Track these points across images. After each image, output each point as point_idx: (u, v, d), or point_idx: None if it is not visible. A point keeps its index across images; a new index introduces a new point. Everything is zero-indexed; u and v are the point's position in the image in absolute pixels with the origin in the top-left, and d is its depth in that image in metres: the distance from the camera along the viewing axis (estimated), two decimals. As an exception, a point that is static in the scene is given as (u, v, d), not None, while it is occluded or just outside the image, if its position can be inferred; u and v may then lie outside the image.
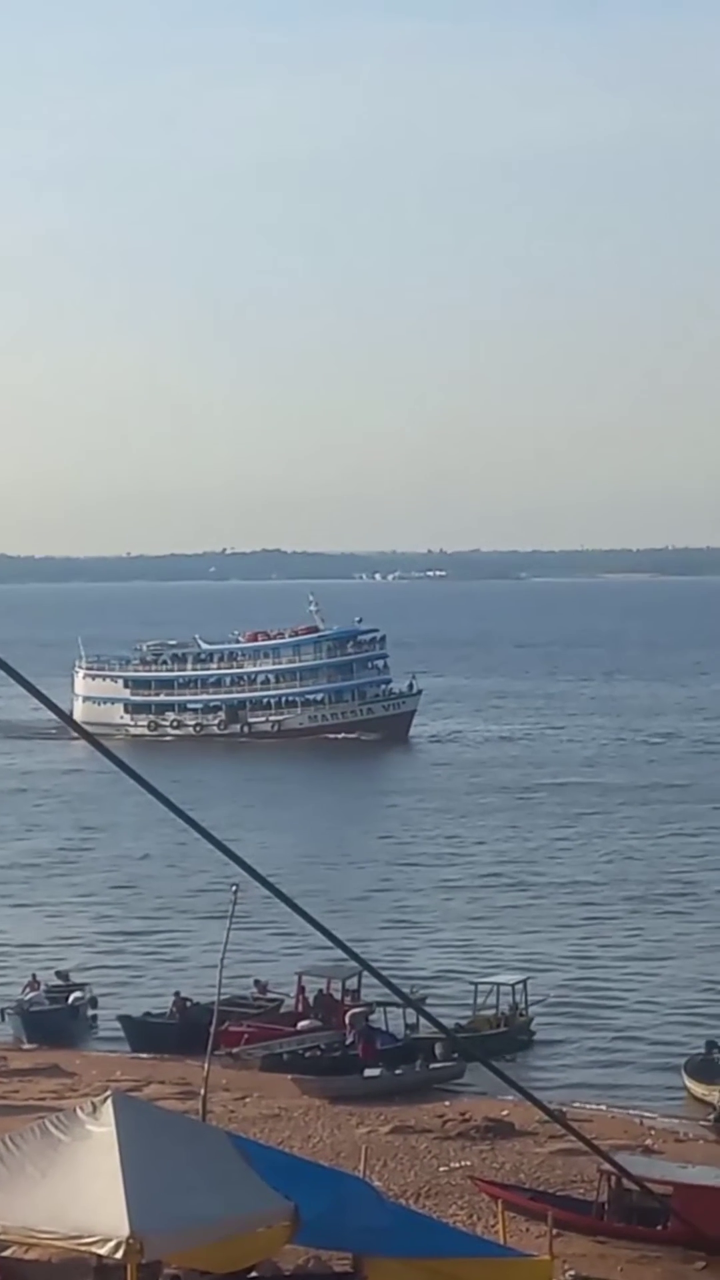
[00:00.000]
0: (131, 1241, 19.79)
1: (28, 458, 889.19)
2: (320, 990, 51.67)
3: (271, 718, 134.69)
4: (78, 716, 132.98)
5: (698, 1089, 45.50)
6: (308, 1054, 48.47)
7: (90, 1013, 53.81)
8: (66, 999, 53.55)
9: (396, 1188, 34.78)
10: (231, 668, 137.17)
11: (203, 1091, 37.58)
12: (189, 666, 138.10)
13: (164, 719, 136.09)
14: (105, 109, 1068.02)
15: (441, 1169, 37.35)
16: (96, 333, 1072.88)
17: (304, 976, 52.30)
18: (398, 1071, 46.44)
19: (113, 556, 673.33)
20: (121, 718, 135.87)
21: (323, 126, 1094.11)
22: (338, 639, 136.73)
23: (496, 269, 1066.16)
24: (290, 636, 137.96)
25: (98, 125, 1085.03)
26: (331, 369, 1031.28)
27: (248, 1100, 44.08)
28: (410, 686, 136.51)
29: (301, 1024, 50.25)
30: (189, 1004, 51.13)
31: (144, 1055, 49.84)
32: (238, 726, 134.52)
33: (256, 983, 54.05)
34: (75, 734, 15.45)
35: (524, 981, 52.61)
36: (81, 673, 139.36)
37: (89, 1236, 20.22)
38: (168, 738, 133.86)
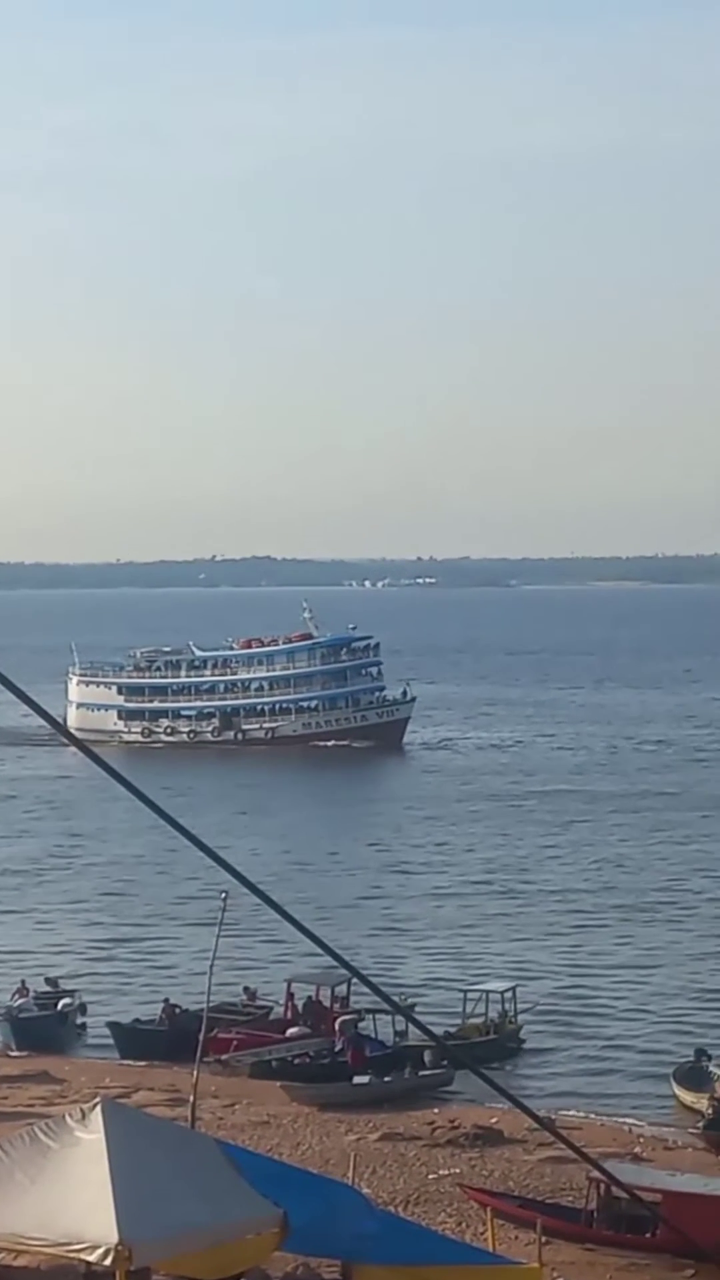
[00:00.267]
0: (120, 1248, 19.80)
1: (18, 464, 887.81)
2: (309, 997, 51.66)
3: (265, 725, 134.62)
4: (72, 723, 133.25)
5: (686, 1097, 45.50)
6: (297, 1061, 48.44)
7: (79, 1019, 53.74)
8: (56, 1006, 53.49)
9: (385, 1195, 34.75)
10: (225, 674, 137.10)
11: (192, 1098, 37.52)
12: (183, 673, 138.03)
13: (158, 726, 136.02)
14: (104, 112, 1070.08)
15: (430, 1176, 37.33)
16: (89, 338, 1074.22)
17: (293, 983, 52.28)
18: (387, 1079, 46.42)
19: (102, 563, 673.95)
20: (115, 724, 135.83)
21: (320, 131, 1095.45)
22: (332, 646, 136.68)
23: (491, 276, 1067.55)
24: (284, 643, 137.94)
25: (96, 129, 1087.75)
26: (323, 376, 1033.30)
27: (237, 1107, 44.04)
28: (404, 694, 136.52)
29: (290, 1031, 50.22)
30: (178, 1011, 51.09)
31: (133, 1062, 49.78)
32: (231, 733, 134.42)
33: (246, 990, 54.02)
34: (65, 741, 15.44)
35: (513, 989, 52.63)
36: (75, 679, 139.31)
37: (78, 1243, 20.23)
38: (161, 744, 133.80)
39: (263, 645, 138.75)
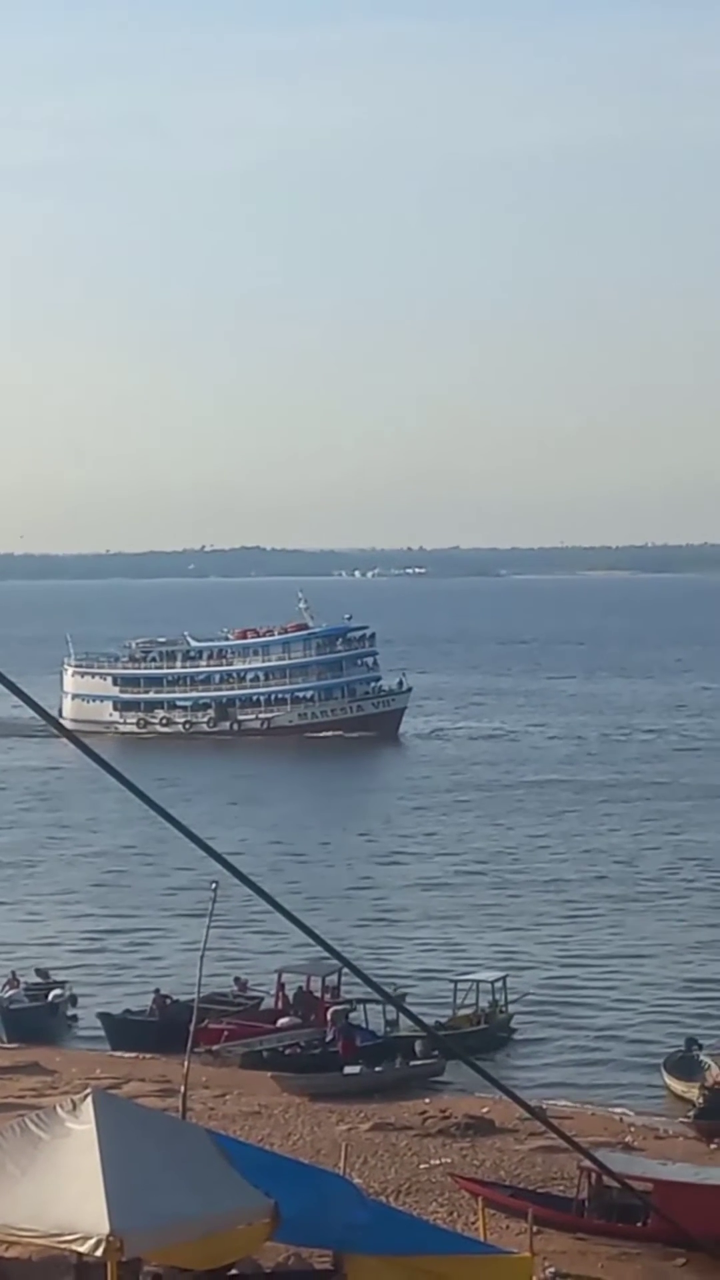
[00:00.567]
0: (111, 1239, 19.76)
1: (7, 455, 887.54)
2: (300, 987, 51.66)
3: (261, 715, 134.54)
4: (67, 714, 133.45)
5: (677, 1086, 45.55)
6: (288, 1051, 48.46)
7: (70, 1010, 53.74)
8: (46, 996, 53.47)
9: (377, 1185, 34.75)
10: (221, 665, 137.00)
11: (183, 1089, 37.52)
12: (178, 664, 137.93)
13: (153, 716, 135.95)
14: (104, 110, 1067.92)
15: (422, 1166, 37.34)
16: (79, 331, 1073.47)
17: (284, 974, 52.26)
18: (378, 1069, 46.43)
19: (92, 553, 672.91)
20: (111, 715, 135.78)
21: (321, 126, 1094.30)
22: (327, 636, 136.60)
23: (490, 274, 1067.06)
24: (280, 634, 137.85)
25: (95, 126, 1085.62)
26: (311, 370, 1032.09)
27: (228, 1098, 44.04)
28: (400, 684, 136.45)
29: (281, 1021, 50.24)
30: (169, 1001, 51.07)
31: (124, 1053, 49.76)
32: (227, 724, 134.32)
33: (236, 980, 54.01)
34: (56, 732, 15.39)
35: (503, 979, 52.66)
36: (70, 670, 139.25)
37: (69, 1234, 20.19)
38: (157, 735, 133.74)
39: (258, 636, 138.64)
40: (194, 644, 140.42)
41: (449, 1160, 37.75)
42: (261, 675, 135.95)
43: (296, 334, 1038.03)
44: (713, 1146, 40.51)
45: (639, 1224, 32.29)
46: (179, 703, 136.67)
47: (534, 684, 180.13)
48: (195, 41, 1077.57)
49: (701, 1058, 46.44)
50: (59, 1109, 21.76)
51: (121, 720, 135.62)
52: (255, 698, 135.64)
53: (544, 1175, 36.62)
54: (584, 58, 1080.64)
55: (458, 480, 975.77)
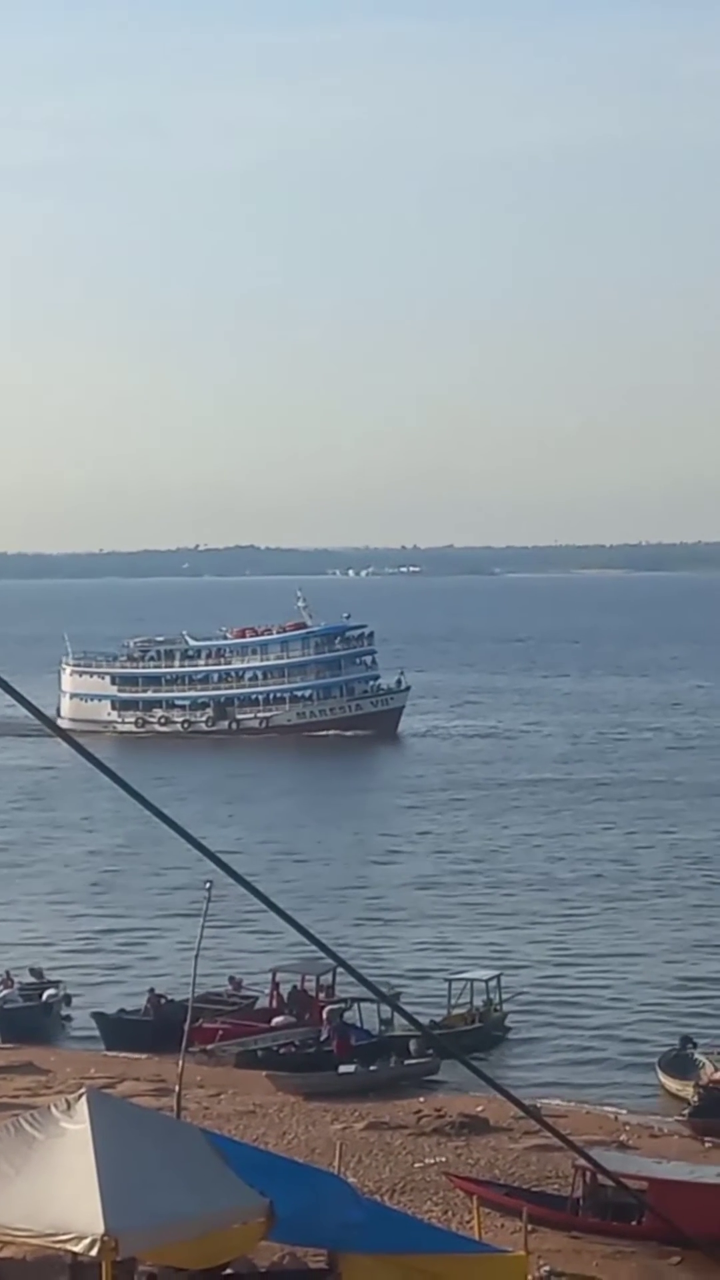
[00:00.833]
0: (106, 1239, 19.75)
1: (11, 457, 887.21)
2: (295, 986, 51.66)
3: (259, 714, 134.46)
4: (65, 713, 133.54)
5: (672, 1084, 45.56)
6: (282, 1050, 48.45)
7: (64, 1010, 53.75)
8: (40, 996, 53.47)
9: (371, 1184, 34.75)
10: (219, 664, 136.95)
11: (177, 1088, 37.49)
12: (176, 663, 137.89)
13: (152, 715, 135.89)
14: (104, 110, 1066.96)
15: (416, 1165, 37.33)
16: (78, 331, 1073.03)
17: (278, 973, 52.26)
18: (372, 1068, 46.44)
19: (85, 553, 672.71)
20: (109, 714, 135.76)
21: (321, 125, 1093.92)
22: (326, 635, 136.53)
23: (489, 274, 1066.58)
24: (278, 633, 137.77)
25: (95, 126, 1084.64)
26: (309, 369, 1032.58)
27: (222, 1097, 44.05)
28: (398, 682, 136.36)
29: (276, 1020, 50.23)
30: (163, 1001, 51.07)
31: (118, 1052, 49.75)
32: (225, 723, 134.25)
33: (231, 979, 54.00)
34: (50, 731, 15.35)
35: (497, 977, 52.68)
36: (69, 669, 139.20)
37: (64, 1234, 20.17)
38: (156, 734, 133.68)
39: (257, 634, 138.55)
40: (192, 643, 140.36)
41: (444, 1159, 37.74)
42: (260, 674, 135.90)
43: (295, 333, 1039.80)
44: (708, 1145, 40.51)
45: (634, 1222, 32.30)
46: (177, 702, 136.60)
47: (529, 682, 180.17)
48: (195, 41, 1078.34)
49: (696, 1056, 46.47)
50: (53, 1109, 21.74)
51: (120, 719, 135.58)
52: (254, 697, 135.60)
53: (539, 1174, 36.62)
54: (584, 58, 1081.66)
55: (452, 479, 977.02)
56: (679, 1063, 46.31)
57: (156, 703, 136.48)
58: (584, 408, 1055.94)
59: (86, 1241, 19.92)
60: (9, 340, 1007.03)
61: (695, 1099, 42.79)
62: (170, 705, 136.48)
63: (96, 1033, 51.68)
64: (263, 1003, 52.25)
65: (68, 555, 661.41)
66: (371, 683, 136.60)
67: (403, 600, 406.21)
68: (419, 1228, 25.21)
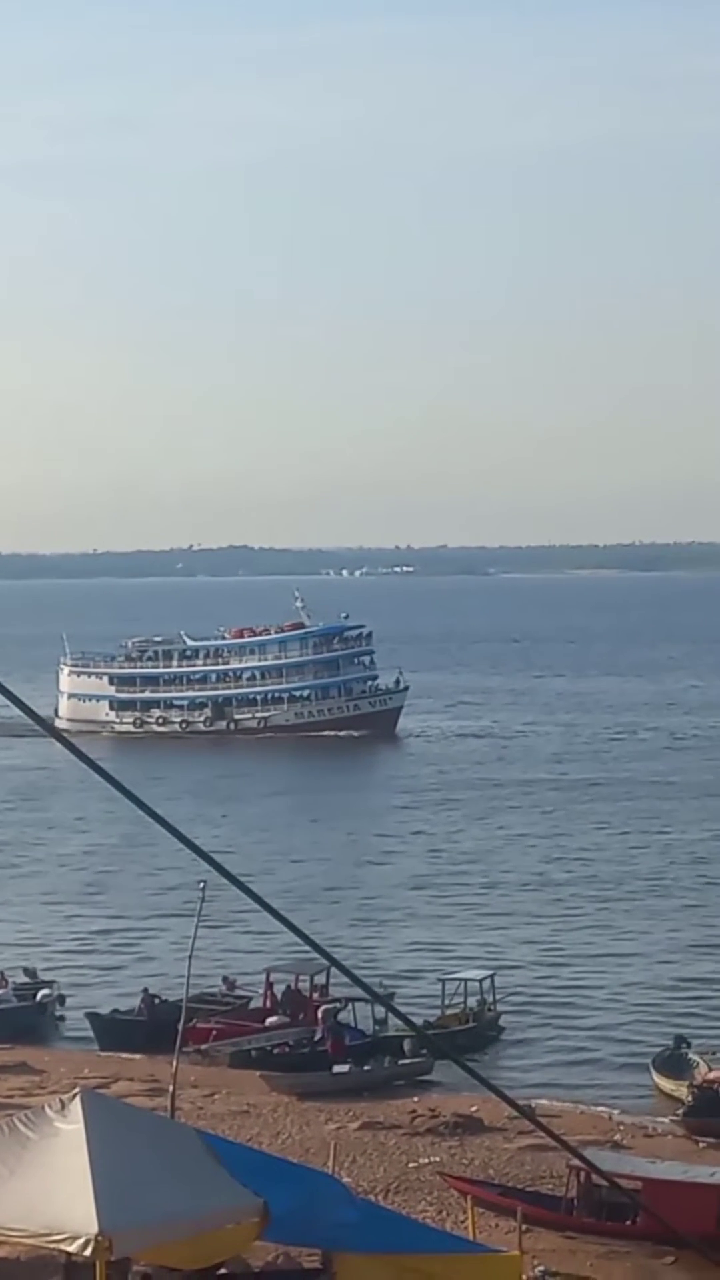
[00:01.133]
0: (100, 1239, 19.77)
1: (6, 457, 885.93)
2: (288, 986, 51.64)
3: (258, 714, 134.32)
4: (63, 713, 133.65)
5: (666, 1084, 45.56)
6: (276, 1050, 48.46)
7: (58, 1010, 53.69)
8: (34, 996, 53.42)
9: (366, 1184, 34.76)
10: (217, 664, 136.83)
11: (171, 1088, 37.53)
12: (174, 663, 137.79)
13: (149, 716, 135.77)
14: (103, 109, 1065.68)
15: (411, 1165, 37.34)
16: (77, 330, 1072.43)
17: (272, 973, 52.26)
18: (366, 1067, 46.44)
19: (79, 553, 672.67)
20: (107, 715, 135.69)
21: (319, 124, 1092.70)
22: (324, 635, 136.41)
23: (485, 275, 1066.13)
24: (276, 633, 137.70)
25: (95, 125, 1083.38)
26: (305, 370, 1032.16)
27: (216, 1097, 44.04)
28: (397, 682, 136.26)
29: (270, 1020, 50.22)
30: (157, 1001, 51.05)
31: (112, 1052, 49.73)
32: (224, 723, 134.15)
33: (225, 979, 53.98)
34: (43, 731, 15.34)
35: (491, 976, 52.66)
36: (67, 670, 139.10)
37: (58, 1234, 20.20)
38: (154, 735, 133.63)
39: (255, 634, 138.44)
40: (190, 643, 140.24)
41: (438, 1159, 37.75)
42: (258, 674, 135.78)
43: (293, 333, 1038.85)
44: (702, 1145, 40.53)
45: (628, 1222, 32.32)
46: (175, 702, 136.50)
47: (523, 683, 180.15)
48: (194, 41, 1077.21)
49: (690, 1056, 46.49)
50: (47, 1109, 21.77)
51: (118, 720, 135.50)
52: (252, 697, 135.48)
53: (533, 1174, 36.63)
54: (584, 57, 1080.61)
55: (447, 479, 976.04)
56: (673, 1063, 46.32)
57: (154, 703, 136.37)
58: (579, 408, 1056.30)
59: (80, 1241, 19.95)
60: (7, 339, 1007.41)
61: (689, 1099, 42.78)
62: (168, 705, 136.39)
63: (90, 1033, 51.65)
64: (257, 1003, 52.23)
65: (61, 555, 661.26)
66: (370, 683, 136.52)
67: (397, 600, 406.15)
68: (413, 1228, 25.25)
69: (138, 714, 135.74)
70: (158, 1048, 46.29)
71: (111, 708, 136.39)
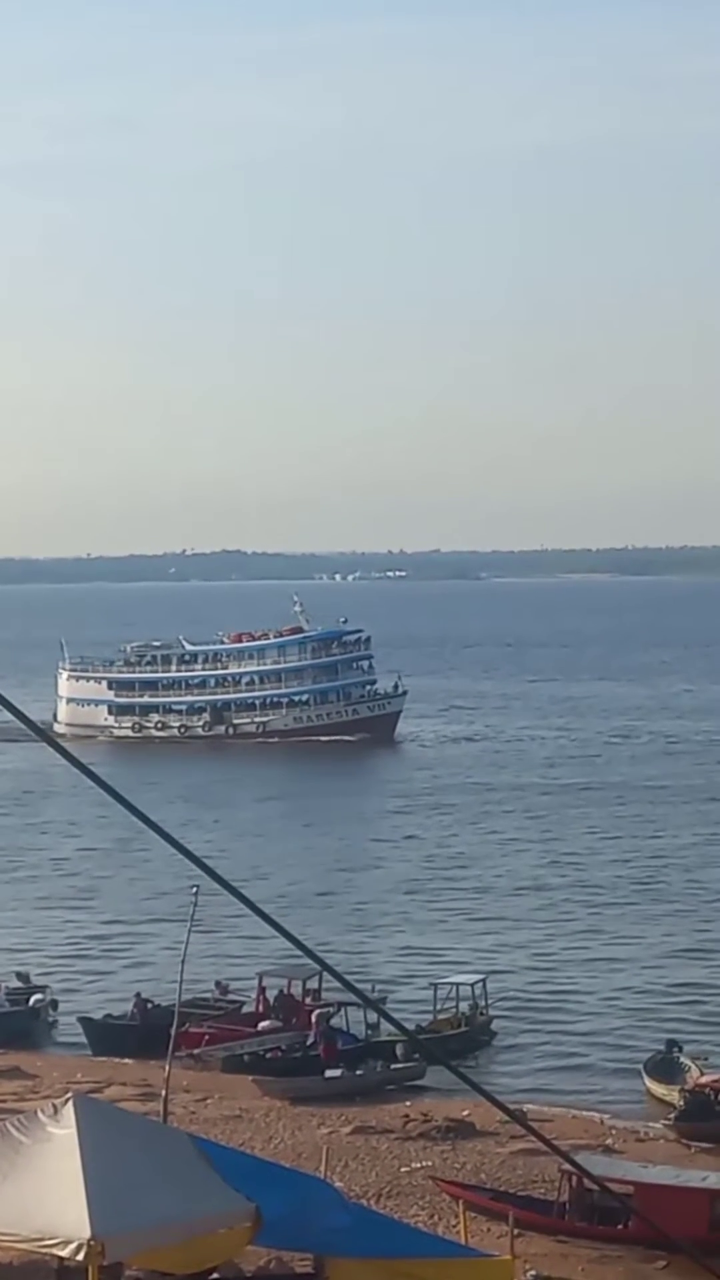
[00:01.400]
0: (93, 1243, 19.80)
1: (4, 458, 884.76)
2: (281, 991, 51.68)
3: (256, 719, 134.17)
4: (62, 718, 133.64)
5: (658, 1089, 45.61)
6: (268, 1055, 48.48)
7: (51, 1015, 53.69)
8: (27, 1001, 53.43)
9: (358, 1188, 34.79)
10: (216, 669, 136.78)
11: (164, 1093, 37.57)
12: (173, 668, 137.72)
13: (148, 720, 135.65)
14: (103, 109, 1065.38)
15: (403, 1169, 37.38)
16: (76, 331, 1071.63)
17: (264, 977, 52.28)
18: (359, 1072, 46.47)
19: (72, 557, 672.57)
20: (106, 719, 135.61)
21: (320, 126, 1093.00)
22: (322, 640, 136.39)
23: (482, 277, 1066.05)
24: (275, 637, 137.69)
25: (95, 125, 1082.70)
26: (299, 369, 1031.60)
27: (209, 1101, 44.06)
28: (395, 687, 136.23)
29: (262, 1025, 50.25)
30: (150, 1006, 51.07)
31: (105, 1057, 49.74)
32: (222, 728, 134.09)
33: (217, 984, 54.01)
34: (35, 735, 15.34)
35: (483, 981, 52.66)
36: (65, 674, 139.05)
37: (50, 1238, 20.22)
38: (152, 740, 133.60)
39: (253, 639, 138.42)
40: (189, 648, 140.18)
41: (430, 1163, 37.78)
42: (257, 679, 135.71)
43: (293, 333, 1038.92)
44: (693, 1149, 40.58)
45: (620, 1226, 32.37)
46: (174, 707, 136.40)
47: (517, 687, 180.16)
48: (194, 41, 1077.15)
49: (681, 1060, 46.55)
50: (40, 1113, 21.79)
51: (116, 724, 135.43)
52: (250, 701, 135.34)
53: (525, 1178, 36.67)
54: (584, 57, 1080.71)
55: (445, 479, 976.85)
56: (664, 1067, 46.37)
57: (153, 707, 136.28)
58: (574, 411, 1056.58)
59: (73, 1246, 19.98)
60: (5, 339, 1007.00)
61: (681, 1103, 42.83)
62: (167, 710, 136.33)
63: (83, 1038, 51.66)
64: (249, 1007, 52.26)
65: (55, 560, 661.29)
66: (368, 687, 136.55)
67: (390, 604, 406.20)
68: (405, 1232, 25.28)
69: (136, 719, 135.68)
70: (150, 1052, 46.36)
71: (110, 712, 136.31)
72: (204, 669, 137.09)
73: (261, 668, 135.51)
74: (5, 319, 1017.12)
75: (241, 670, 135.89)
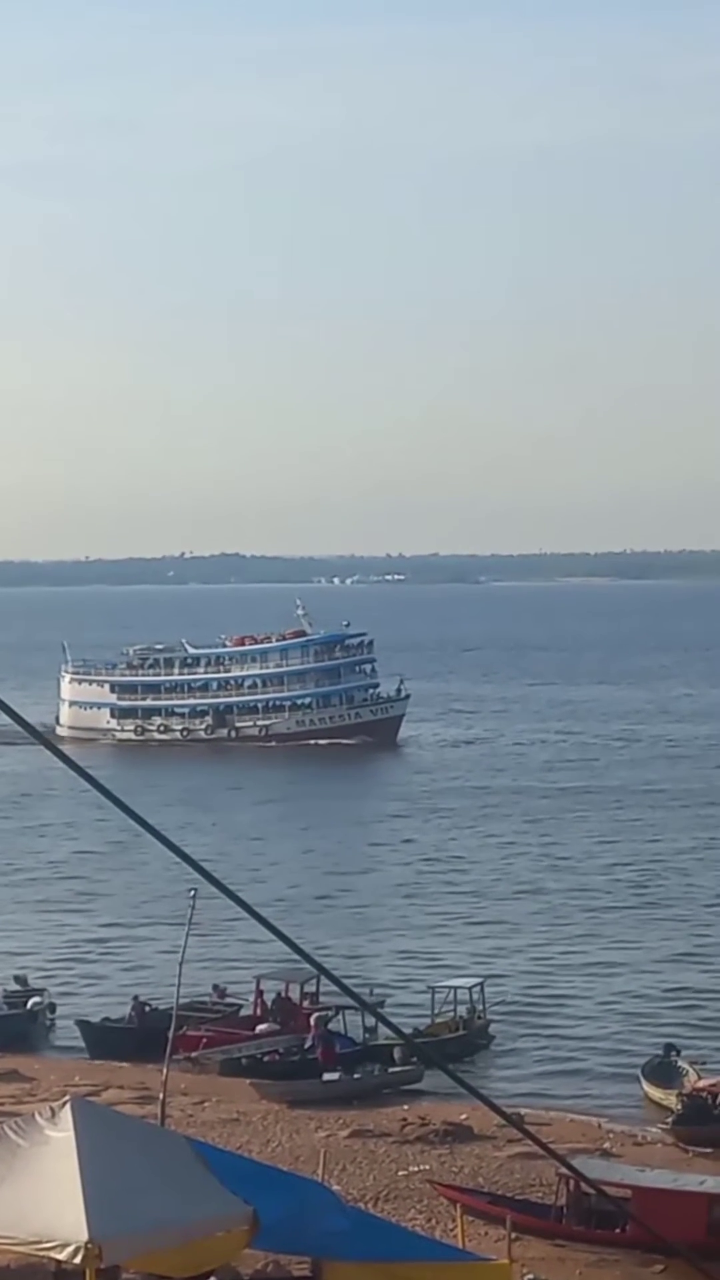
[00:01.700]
0: (90, 1246, 19.79)
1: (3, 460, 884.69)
2: (279, 994, 51.68)
3: (259, 722, 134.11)
4: (65, 721, 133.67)
5: (655, 1092, 45.60)
6: (266, 1058, 48.46)
7: (49, 1018, 53.68)
8: (25, 1004, 53.42)
9: (355, 1192, 34.78)
10: (218, 672, 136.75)
11: (161, 1096, 37.54)
12: (176, 671, 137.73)
13: (151, 723, 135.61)
14: (102, 109, 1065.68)
15: (400, 1173, 37.37)
16: (75, 332, 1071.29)
17: (262, 980, 52.27)
18: (356, 1075, 46.46)
19: (71, 560, 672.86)
20: (109, 722, 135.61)
21: (319, 126, 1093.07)
22: (325, 643, 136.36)
23: (478, 278, 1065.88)
24: (278, 640, 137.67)
25: (94, 125, 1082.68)
26: (299, 369, 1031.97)
27: (206, 1105, 44.05)
28: (398, 691, 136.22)
29: (260, 1028, 50.24)
30: (147, 1009, 51.07)
31: (102, 1060, 49.72)
32: (225, 731, 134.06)
33: (215, 987, 54.01)
34: (33, 738, 15.35)
35: (480, 985, 52.65)
36: (68, 677, 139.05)
37: (47, 1241, 20.22)
38: (154, 742, 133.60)
39: (256, 642, 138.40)
40: (192, 651, 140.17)
41: (427, 1167, 37.78)
42: (259, 682, 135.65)
43: (292, 333, 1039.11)
44: (690, 1153, 40.59)
45: (617, 1230, 32.36)
46: (177, 710, 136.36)
47: (516, 690, 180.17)
48: (193, 42, 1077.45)
49: (679, 1064, 46.52)
50: (38, 1116, 21.79)
51: (119, 727, 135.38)
52: (253, 704, 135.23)
53: (523, 1182, 36.67)
54: (584, 58, 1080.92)
55: (445, 479, 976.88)
56: (662, 1071, 46.35)
57: (156, 710, 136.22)
58: (573, 411, 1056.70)
59: (70, 1249, 19.97)
60: (4, 340, 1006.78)
61: (678, 1107, 42.83)
62: (169, 713, 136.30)
63: (81, 1041, 51.64)
64: (247, 1010, 52.26)
65: (54, 562, 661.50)
66: (371, 691, 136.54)
67: (388, 608, 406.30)
68: (403, 1236, 25.27)
69: (139, 722, 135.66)
70: (148, 1055, 46.33)
71: (113, 715, 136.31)
72: (206, 672, 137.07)
73: (264, 671, 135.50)
74: (4, 319, 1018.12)
75: (244, 673, 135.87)
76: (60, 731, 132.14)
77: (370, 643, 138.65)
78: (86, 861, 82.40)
